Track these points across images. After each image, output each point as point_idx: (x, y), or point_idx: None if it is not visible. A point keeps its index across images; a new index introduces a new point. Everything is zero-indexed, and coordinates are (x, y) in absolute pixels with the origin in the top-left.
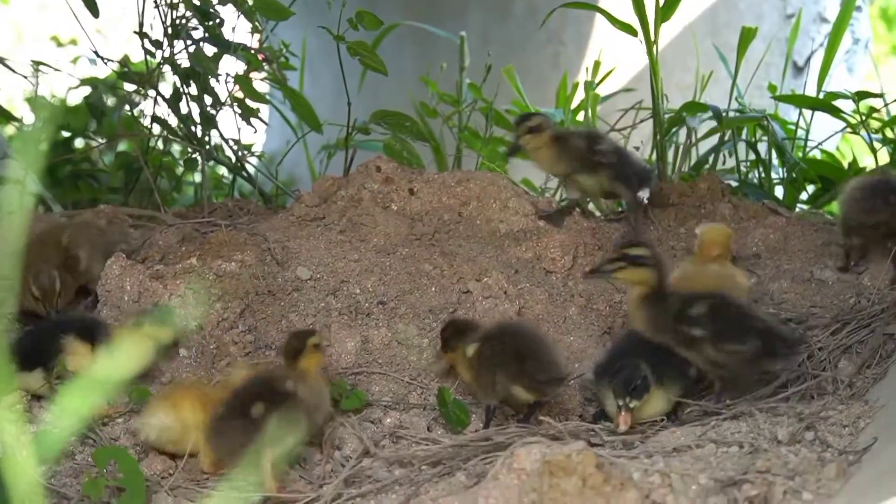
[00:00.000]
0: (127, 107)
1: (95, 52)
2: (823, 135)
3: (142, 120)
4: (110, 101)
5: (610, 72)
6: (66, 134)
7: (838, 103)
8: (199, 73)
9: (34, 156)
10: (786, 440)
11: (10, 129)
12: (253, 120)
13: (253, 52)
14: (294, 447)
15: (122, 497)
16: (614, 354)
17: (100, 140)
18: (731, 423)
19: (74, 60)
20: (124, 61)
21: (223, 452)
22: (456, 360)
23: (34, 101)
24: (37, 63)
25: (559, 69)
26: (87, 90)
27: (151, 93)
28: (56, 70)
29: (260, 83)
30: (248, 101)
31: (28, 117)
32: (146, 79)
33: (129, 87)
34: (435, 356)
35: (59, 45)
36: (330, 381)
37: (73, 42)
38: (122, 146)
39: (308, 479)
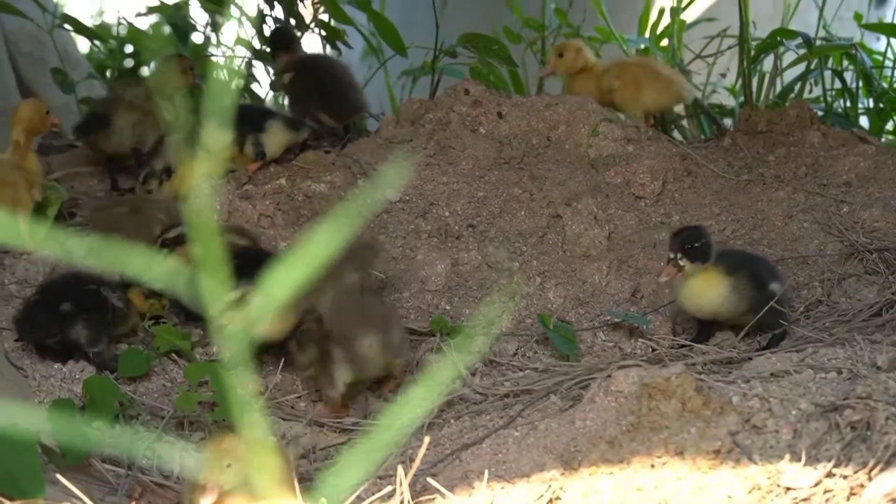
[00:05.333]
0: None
1: None
2: None
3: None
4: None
5: None
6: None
7: None
8: None
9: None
10: (885, 366)
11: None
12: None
13: None
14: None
15: (215, 412)
16: None
17: None
18: (828, 349)
19: None
20: None
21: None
22: None
23: (103, 27)
24: None
25: None
26: (153, 17)
27: (235, 14)
28: None
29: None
30: (334, 24)
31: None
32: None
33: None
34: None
35: None
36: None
37: None
38: None
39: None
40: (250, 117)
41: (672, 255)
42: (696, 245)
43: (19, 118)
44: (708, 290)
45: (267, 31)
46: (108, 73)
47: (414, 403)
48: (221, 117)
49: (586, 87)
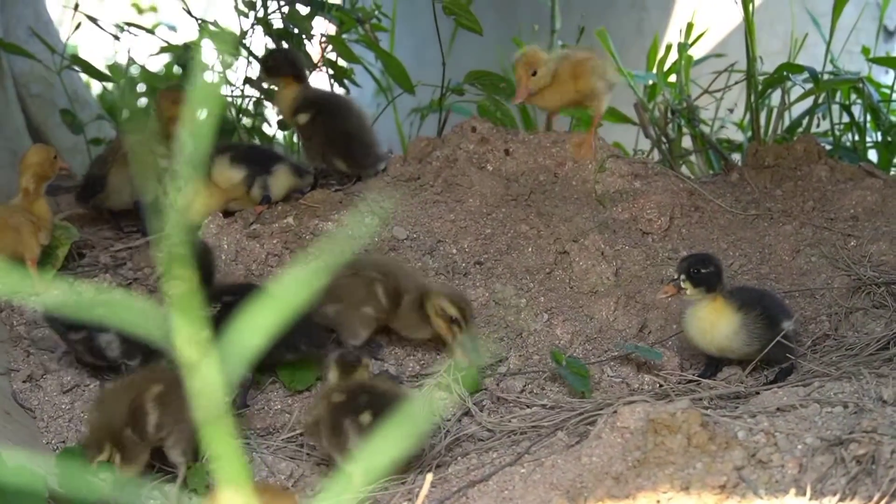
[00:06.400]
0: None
1: (188, 12)
2: None
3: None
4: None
5: (702, 34)
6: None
7: None
8: (293, 33)
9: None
10: (891, 400)
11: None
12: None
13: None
14: None
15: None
16: None
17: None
18: (835, 383)
19: (154, 27)
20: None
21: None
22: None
23: (115, 67)
24: (128, 24)
25: (642, 35)
26: (166, 57)
27: (243, 53)
28: (147, 31)
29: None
30: (341, 62)
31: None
32: (239, 39)
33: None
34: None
35: (139, 11)
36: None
37: (153, 9)
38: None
39: None
40: (260, 158)
41: (675, 276)
42: (703, 271)
43: (28, 164)
44: (718, 325)
45: None
46: (118, 114)
47: (412, 440)
48: (198, 153)
49: (558, 94)
